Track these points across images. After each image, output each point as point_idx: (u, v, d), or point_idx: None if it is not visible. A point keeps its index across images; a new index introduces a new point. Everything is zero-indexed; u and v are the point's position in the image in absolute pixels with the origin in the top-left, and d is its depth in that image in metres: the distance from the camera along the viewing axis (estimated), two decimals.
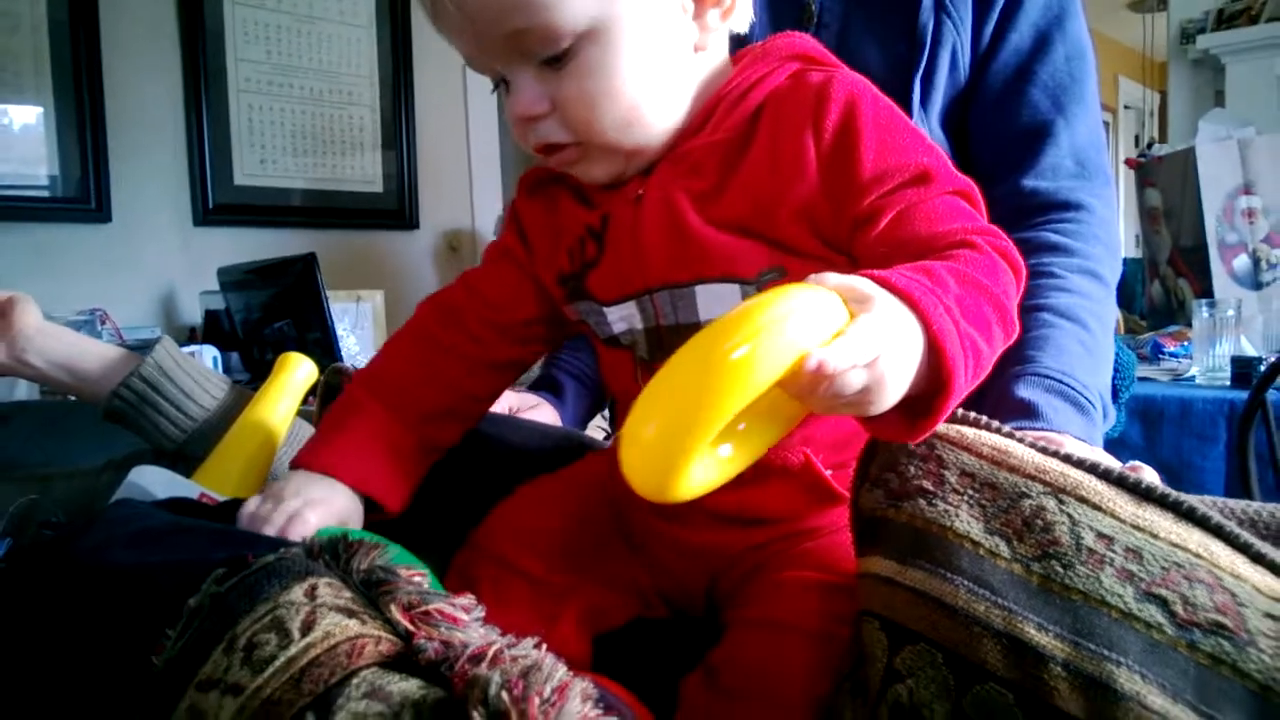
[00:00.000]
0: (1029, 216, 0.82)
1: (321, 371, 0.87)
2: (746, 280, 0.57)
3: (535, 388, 0.96)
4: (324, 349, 2.48)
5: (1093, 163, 0.84)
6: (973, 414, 0.47)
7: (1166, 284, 2.44)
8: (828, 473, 0.59)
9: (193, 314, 2.91)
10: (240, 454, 0.82)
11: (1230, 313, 1.82)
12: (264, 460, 0.83)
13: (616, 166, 0.61)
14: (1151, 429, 1.66)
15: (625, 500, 0.65)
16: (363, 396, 0.67)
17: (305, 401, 0.95)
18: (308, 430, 0.92)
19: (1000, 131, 0.85)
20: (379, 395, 0.67)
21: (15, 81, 2.57)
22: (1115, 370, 0.82)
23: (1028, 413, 0.68)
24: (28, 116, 2.61)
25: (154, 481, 0.75)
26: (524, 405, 0.89)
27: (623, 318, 0.62)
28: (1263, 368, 1.68)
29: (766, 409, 0.45)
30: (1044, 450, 0.44)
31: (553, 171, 0.65)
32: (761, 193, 0.57)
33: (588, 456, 0.71)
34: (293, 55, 3.08)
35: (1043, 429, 0.66)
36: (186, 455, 0.92)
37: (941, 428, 0.46)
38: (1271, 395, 1.44)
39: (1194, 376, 1.85)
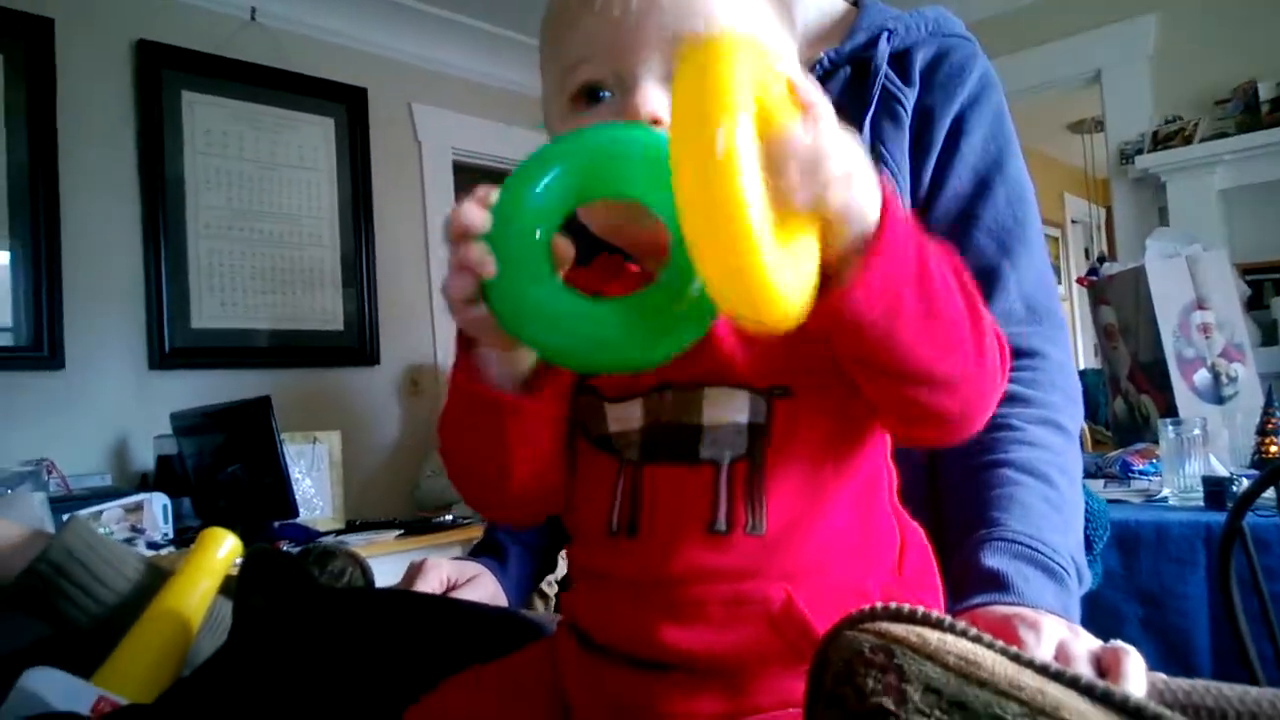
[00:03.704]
0: None
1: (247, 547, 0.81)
2: (756, 390, 0.56)
3: (477, 552, 0.91)
4: (277, 493, 2.41)
5: (1043, 306, 0.82)
6: (935, 613, 0.42)
7: (1129, 400, 2.44)
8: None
9: (145, 460, 2.82)
10: (147, 650, 0.75)
11: (1196, 432, 1.81)
12: (176, 653, 0.76)
13: None
14: (1129, 555, 1.61)
15: (580, 696, 0.58)
16: None
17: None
18: (228, 610, 0.84)
19: None
20: None
21: None
22: (1087, 520, 0.78)
23: (997, 584, 0.63)
24: None
25: (48, 688, 0.68)
26: (461, 577, 0.83)
27: (621, 417, 0.59)
28: (1235, 488, 1.67)
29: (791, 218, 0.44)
30: (1017, 658, 0.40)
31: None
32: None
33: (529, 647, 0.64)
34: (253, 200, 3.10)
35: (1014, 603, 0.61)
36: (98, 640, 0.84)
37: (900, 630, 0.41)
38: (1248, 518, 1.41)
39: (1167, 497, 1.82)
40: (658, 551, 0.56)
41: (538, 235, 0.50)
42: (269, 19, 3.14)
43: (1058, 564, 0.66)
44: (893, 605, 0.43)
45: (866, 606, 0.43)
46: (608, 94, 0.59)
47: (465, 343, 0.57)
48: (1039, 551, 0.66)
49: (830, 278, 0.47)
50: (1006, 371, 0.56)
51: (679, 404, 0.57)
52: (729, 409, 0.56)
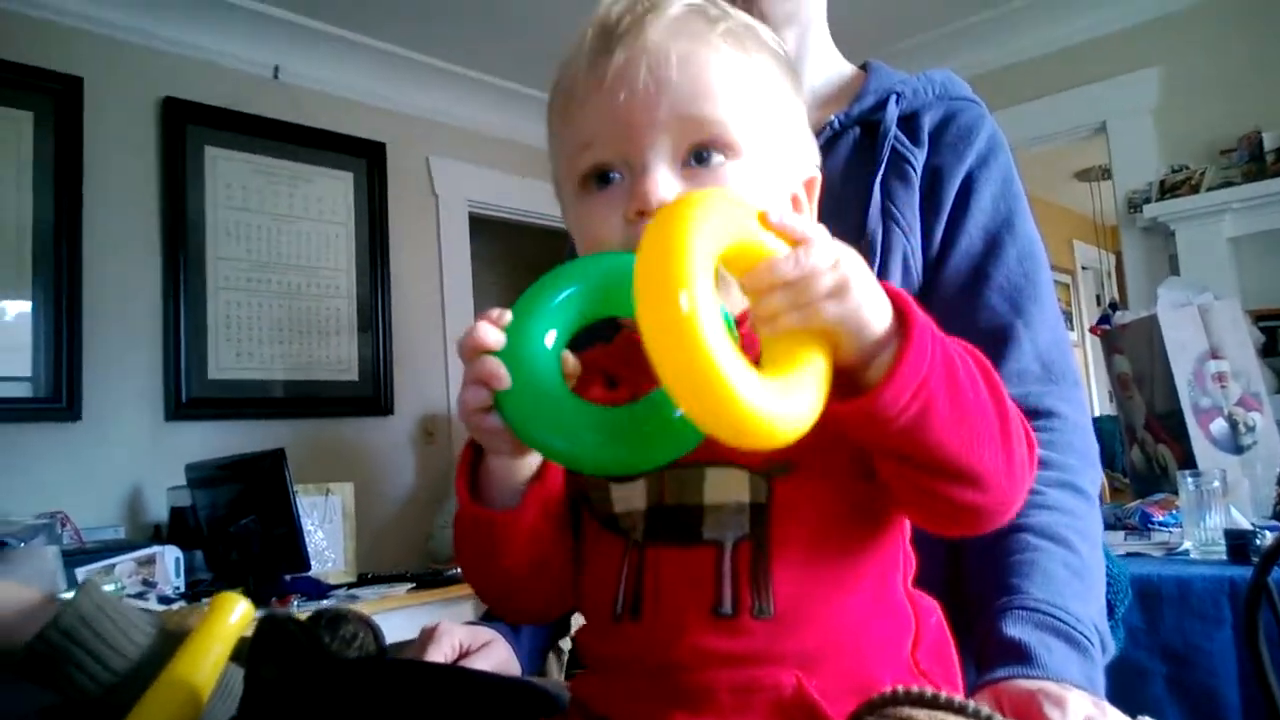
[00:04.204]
0: None
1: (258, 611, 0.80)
2: (755, 470, 0.55)
3: (490, 616, 0.90)
4: (289, 546, 2.40)
5: (1058, 365, 0.82)
6: (956, 698, 0.41)
7: (1146, 449, 2.42)
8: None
9: (159, 511, 2.82)
10: None
11: (1216, 484, 1.78)
12: None
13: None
14: (1151, 611, 1.58)
15: None
16: None
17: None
18: (240, 677, 0.84)
19: (959, 337, 0.83)
20: None
21: (2, 277, 2.60)
22: (1108, 584, 0.76)
23: (1020, 655, 0.62)
24: (19, 307, 2.63)
25: None
26: (474, 643, 0.82)
27: (626, 496, 0.59)
28: (1258, 541, 1.63)
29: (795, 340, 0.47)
30: None
31: (589, 360, 0.64)
32: None
33: None
34: (272, 252, 3.14)
35: (1039, 676, 0.60)
36: (107, 709, 0.83)
37: (922, 715, 0.41)
38: (1275, 573, 1.38)
39: (1188, 551, 1.79)
40: (662, 635, 0.55)
41: (549, 348, 0.54)
42: (291, 77, 3.21)
43: (1081, 634, 0.64)
44: (914, 689, 0.42)
45: (888, 690, 0.42)
46: (617, 175, 0.60)
47: (469, 459, 0.60)
48: (1062, 621, 0.64)
49: (855, 381, 0.48)
50: (1035, 464, 0.55)
51: (680, 484, 0.57)
52: (730, 489, 0.56)
